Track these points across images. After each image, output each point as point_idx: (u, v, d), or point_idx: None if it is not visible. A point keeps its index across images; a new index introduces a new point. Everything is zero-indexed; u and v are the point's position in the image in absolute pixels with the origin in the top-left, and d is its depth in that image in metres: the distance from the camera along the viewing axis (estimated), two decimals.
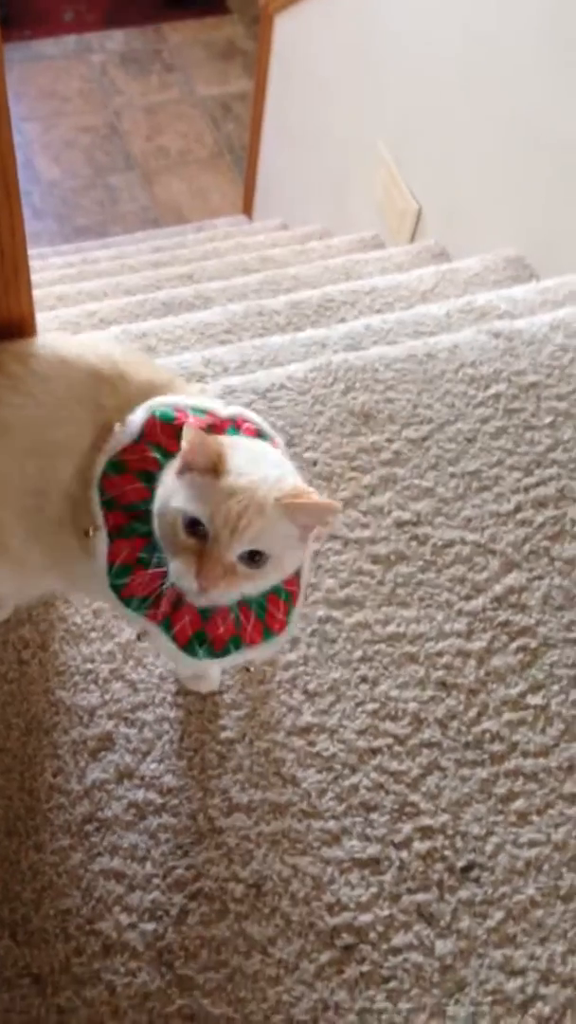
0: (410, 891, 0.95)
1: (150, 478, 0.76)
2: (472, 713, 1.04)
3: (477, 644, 1.08)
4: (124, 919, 0.91)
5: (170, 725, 1.01)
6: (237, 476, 0.70)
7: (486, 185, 1.87)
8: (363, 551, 1.13)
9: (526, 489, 1.20)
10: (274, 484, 0.71)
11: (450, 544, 1.15)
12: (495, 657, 1.08)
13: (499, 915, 0.94)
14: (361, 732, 1.02)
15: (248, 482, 0.70)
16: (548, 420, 1.26)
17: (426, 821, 0.98)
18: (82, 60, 3.53)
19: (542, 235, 1.74)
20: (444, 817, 0.98)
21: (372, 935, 0.92)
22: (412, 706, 1.04)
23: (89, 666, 1.03)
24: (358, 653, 1.06)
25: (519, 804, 1.00)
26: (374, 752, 1.01)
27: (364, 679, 1.05)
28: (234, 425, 0.80)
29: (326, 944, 0.92)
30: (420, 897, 0.95)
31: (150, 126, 3.41)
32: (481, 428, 1.24)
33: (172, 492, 0.72)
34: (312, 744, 1.01)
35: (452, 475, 1.20)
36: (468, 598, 1.11)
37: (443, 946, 0.93)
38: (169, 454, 0.75)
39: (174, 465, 0.73)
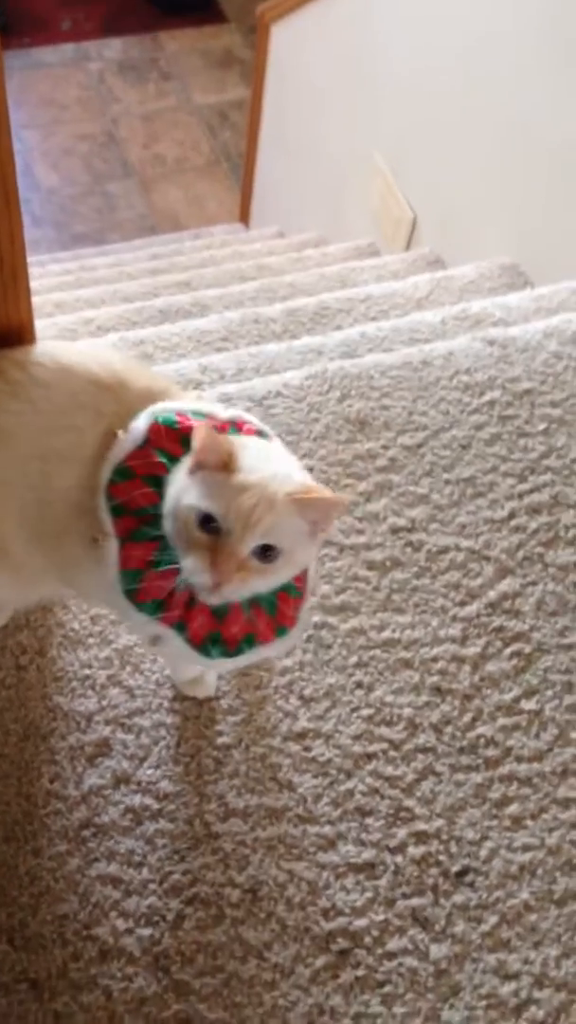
0: (405, 896, 0.95)
1: (158, 482, 0.76)
2: (466, 718, 1.05)
3: (471, 650, 1.09)
4: (121, 924, 0.92)
5: (167, 731, 1.01)
6: (248, 473, 0.72)
7: (481, 193, 1.89)
8: (358, 557, 1.14)
9: (520, 495, 1.21)
10: (284, 480, 0.73)
11: (445, 550, 1.15)
12: (489, 662, 1.08)
13: (493, 919, 0.95)
14: (356, 737, 1.02)
15: (259, 478, 0.72)
16: (542, 427, 1.27)
17: (421, 826, 0.99)
18: (80, 68, 3.55)
19: (536, 243, 1.76)
20: (439, 822, 0.99)
21: (367, 939, 0.93)
22: (407, 711, 1.04)
23: (87, 672, 1.03)
24: (353, 659, 1.07)
25: (513, 809, 1.00)
26: (369, 757, 1.02)
27: (359, 684, 1.06)
28: (234, 426, 0.81)
29: (321, 949, 0.92)
30: (415, 902, 0.95)
31: (147, 134, 3.42)
32: (476, 435, 1.25)
33: (184, 490, 0.73)
34: (308, 749, 1.01)
35: (447, 482, 1.21)
36: (462, 604, 1.12)
37: (438, 950, 0.93)
38: (175, 458, 0.77)
39: (185, 465, 0.75)
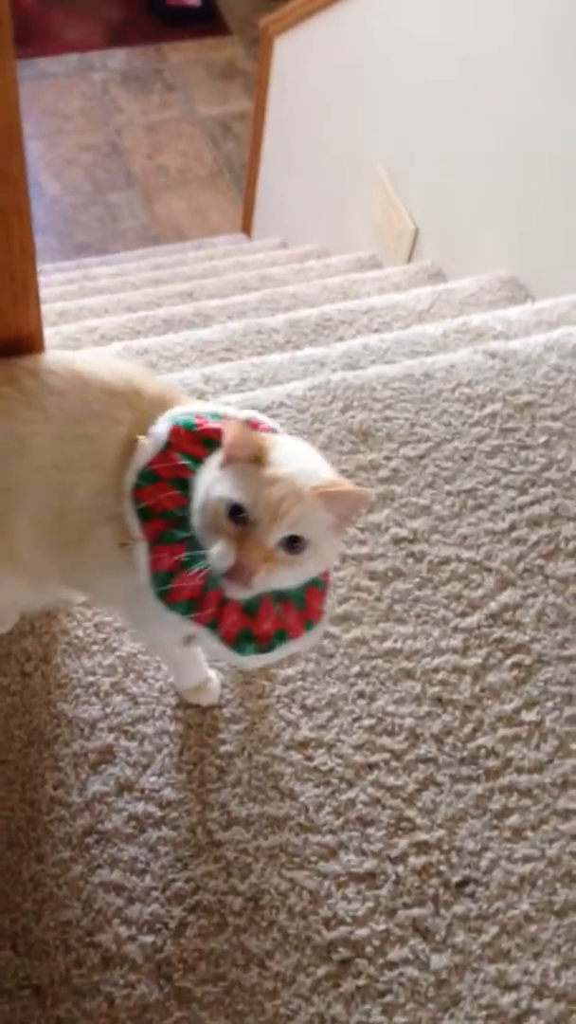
0: (406, 906, 0.96)
1: (184, 485, 0.78)
2: (467, 729, 1.05)
3: (472, 660, 1.10)
4: (123, 931, 0.92)
5: (170, 738, 1.02)
6: (278, 466, 0.74)
7: (482, 207, 1.90)
8: (361, 567, 1.14)
9: (521, 508, 1.22)
10: (312, 474, 0.75)
11: (446, 561, 1.16)
12: (490, 673, 1.09)
13: (494, 930, 0.95)
14: (358, 747, 1.03)
15: (288, 472, 0.74)
16: (542, 439, 1.28)
17: (422, 836, 0.99)
18: (84, 79, 3.57)
19: (537, 256, 1.77)
20: (440, 832, 0.99)
21: (368, 949, 0.93)
22: (408, 721, 1.05)
23: (91, 679, 1.04)
24: (355, 668, 1.08)
25: (514, 820, 1.01)
26: (371, 767, 1.02)
27: (361, 694, 1.06)
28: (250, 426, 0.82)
29: (323, 958, 0.93)
30: (416, 912, 0.95)
31: (151, 144, 3.44)
32: (477, 447, 1.26)
33: (215, 482, 0.75)
34: (310, 758, 1.02)
35: (448, 493, 1.22)
36: (464, 615, 1.13)
37: (438, 960, 0.93)
38: (197, 460, 0.78)
39: (215, 460, 0.76)
